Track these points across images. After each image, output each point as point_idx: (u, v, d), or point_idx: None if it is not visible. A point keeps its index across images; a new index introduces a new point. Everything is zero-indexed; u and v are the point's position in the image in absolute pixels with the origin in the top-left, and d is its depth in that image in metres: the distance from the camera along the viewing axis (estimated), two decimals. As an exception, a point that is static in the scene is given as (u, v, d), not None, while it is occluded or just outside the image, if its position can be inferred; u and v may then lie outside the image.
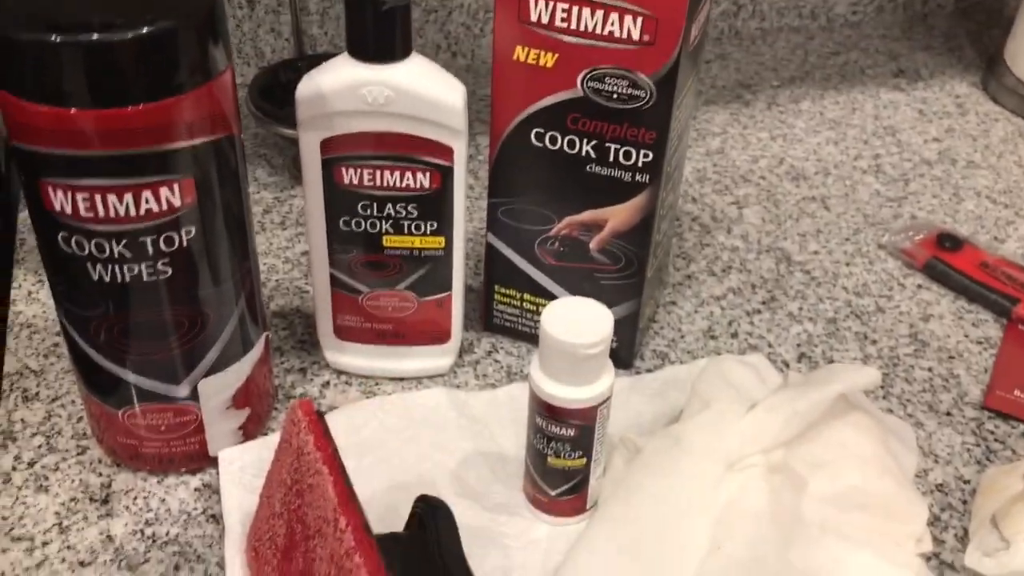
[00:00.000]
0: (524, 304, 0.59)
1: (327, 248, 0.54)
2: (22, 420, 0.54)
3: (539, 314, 0.58)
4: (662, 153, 0.51)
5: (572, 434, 0.46)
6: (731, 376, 0.50)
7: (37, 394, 0.56)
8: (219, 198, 0.45)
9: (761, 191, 0.76)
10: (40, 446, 0.52)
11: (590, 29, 0.48)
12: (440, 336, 0.57)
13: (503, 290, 0.59)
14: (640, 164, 0.51)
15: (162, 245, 0.43)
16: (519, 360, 0.59)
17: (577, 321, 0.44)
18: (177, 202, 0.43)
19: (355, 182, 0.51)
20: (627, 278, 0.55)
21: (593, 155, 0.52)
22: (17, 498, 0.49)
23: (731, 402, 0.48)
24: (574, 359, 0.44)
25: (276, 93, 0.74)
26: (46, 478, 0.51)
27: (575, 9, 0.48)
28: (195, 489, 0.50)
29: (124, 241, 0.43)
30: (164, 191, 0.42)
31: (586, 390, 0.45)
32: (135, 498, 0.50)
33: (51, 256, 0.44)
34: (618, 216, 0.53)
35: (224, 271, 0.47)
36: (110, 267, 0.43)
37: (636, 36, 0.48)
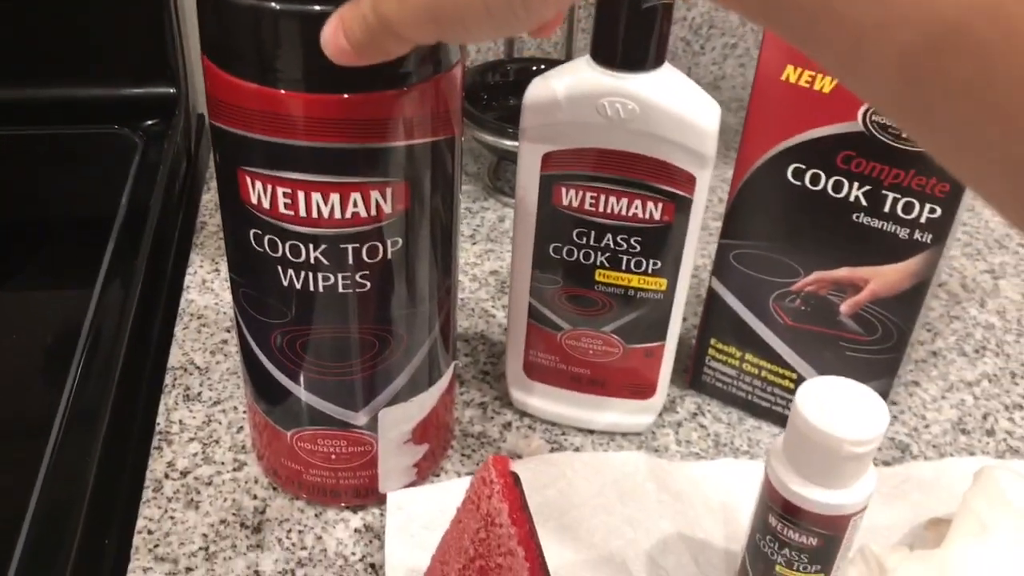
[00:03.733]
0: (744, 365, 0.50)
1: (530, 274, 0.47)
2: (180, 422, 0.50)
3: (761, 379, 0.50)
4: (953, 211, 0.42)
5: (814, 544, 0.37)
6: (1012, 494, 0.40)
7: (199, 394, 0.51)
8: (430, 208, 0.39)
9: (1021, 260, 0.65)
10: (196, 454, 0.48)
11: (888, 52, 0.40)
12: (643, 390, 0.49)
13: (720, 346, 0.51)
14: (923, 220, 0.42)
15: (364, 255, 0.37)
16: (729, 429, 0.51)
17: (843, 409, 0.36)
18: (388, 208, 0.37)
19: (575, 205, 0.44)
20: (881, 352, 0.46)
21: (864, 202, 0.43)
22: (166, 511, 0.45)
23: (1016, 530, 0.38)
24: (835, 457, 0.35)
25: (480, 95, 0.69)
26: (198, 492, 0.46)
27: (873, 27, 0.39)
28: (355, 530, 0.45)
29: (323, 247, 0.37)
30: (375, 195, 0.36)
31: (842, 494, 0.36)
32: (289, 530, 0.44)
33: (239, 254, 0.39)
34: (883, 278, 0.44)
35: (424, 291, 0.41)
36: (303, 274, 0.38)
37: (948, 66, 0.39)
